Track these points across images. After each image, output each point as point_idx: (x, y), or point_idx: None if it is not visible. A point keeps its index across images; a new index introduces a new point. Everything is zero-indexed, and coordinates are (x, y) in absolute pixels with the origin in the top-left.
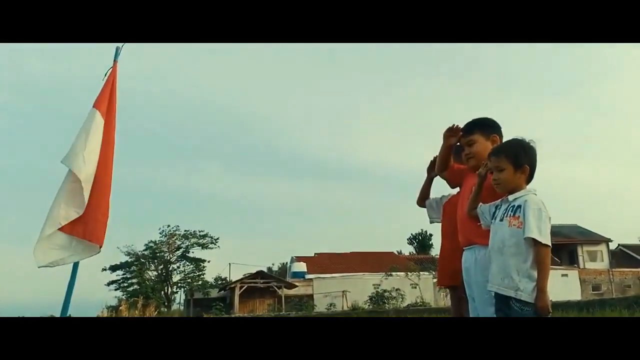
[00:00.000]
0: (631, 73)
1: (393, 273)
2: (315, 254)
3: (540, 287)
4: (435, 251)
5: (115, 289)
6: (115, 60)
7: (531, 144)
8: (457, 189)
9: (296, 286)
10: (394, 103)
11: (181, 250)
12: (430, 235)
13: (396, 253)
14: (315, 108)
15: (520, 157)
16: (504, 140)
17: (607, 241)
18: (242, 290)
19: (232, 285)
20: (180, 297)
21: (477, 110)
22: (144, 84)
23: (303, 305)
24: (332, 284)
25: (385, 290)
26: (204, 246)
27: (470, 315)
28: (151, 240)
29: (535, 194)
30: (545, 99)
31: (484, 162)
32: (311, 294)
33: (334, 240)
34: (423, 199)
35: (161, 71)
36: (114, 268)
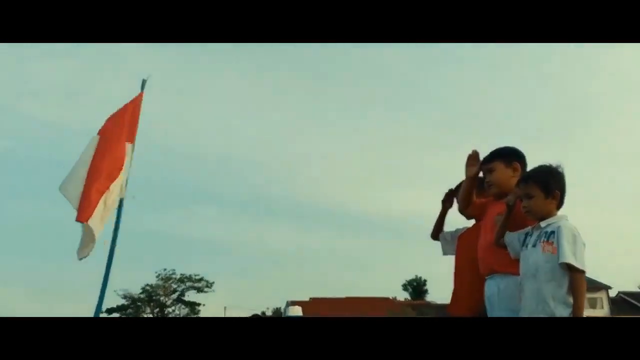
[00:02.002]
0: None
1: None
2: (310, 298)
3: (577, 314)
4: (431, 297)
5: None
6: (141, 92)
7: (559, 170)
8: (472, 221)
9: None
10: (382, 143)
11: (177, 293)
12: (425, 281)
13: (391, 299)
14: (308, 152)
15: (550, 183)
16: (527, 168)
17: (606, 288)
18: None
19: None
20: None
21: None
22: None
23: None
24: None
25: None
26: (199, 290)
27: None
28: (147, 284)
29: (567, 220)
30: (538, 142)
31: (511, 192)
32: None
33: (327, 286)
34: (437, 232)
35: (154, 113)
36: (110, 311)
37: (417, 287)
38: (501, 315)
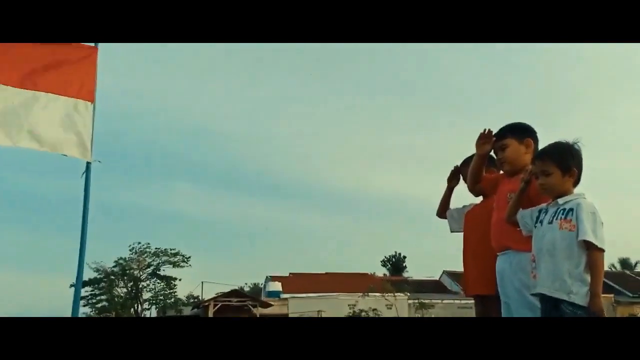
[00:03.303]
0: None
1: (369, 294)
2: (290, 274)
3: (595, 292)
4: (409, 273)
5: (84, 305)
6: (95, 46)
7: (576, 146)
8: (480, 198)
9: (271, 305)
10: (365, 124)
11: (152, 268)
12: (404, 257)
13: (370, 274)
14: (289, 128)
15: (568, 160)
16: (539, 143)
17: None
18: (215, 308)
19: (206, 304)
20: (150, 314)
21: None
22: (114, 98)
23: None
24: (307, 304)
25: (362, 310)
26: (175, 264)
27: None
28: (121, 257)
29: (585, 198)
30: None
31: (526, 168)
32: (286, 313)
33: (306, 262)
34: (444, 210)
35: (131, 89)
36: (82, 284)
37: (395, 264)
38: (512, 290)
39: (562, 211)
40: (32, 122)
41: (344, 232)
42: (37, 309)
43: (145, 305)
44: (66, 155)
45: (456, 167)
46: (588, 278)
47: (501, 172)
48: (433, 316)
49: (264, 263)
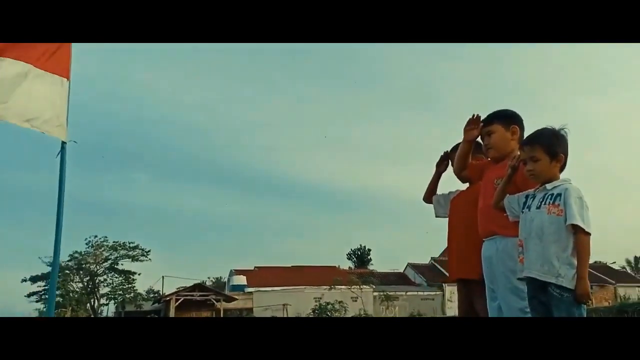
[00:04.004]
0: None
1: (335, 286)
2: (255, 267)
3: (581, 275)
4: (375, 266)
5: (36, 301)
6: None
7: (562, 132)
8: (467, 184)
9: (235, 299)
10: (330, 116)
11: (109, 262)
12: (369, 250)
13: (336, 267)
14: (253, 120)
15: (555, 147)
16: (524, 131)
17: None
18: (177, 303)
19: (167, 298)
20: (108, 310)
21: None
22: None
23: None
24: (272, 298)
25: (328, 303)
26: (134, 258)
27: (490, 306)
28: (76, 251)
29: (571, 183)
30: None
31: (513, 155)
32: (251, 307)
33: (271, 255)
34: (430, 195)
35: (92, 78)
36: (34, 279)
37: (361, 257)
38: (499, 275)
39: (550, 196)
40: (16, 96)
41: (309, 225)
42: None
43: (103, 301)
44: (44, 133)
45: (445, 153)
46: (575, 261)
47: (487, 158)
48: (397, 308)
49: (227, 257)
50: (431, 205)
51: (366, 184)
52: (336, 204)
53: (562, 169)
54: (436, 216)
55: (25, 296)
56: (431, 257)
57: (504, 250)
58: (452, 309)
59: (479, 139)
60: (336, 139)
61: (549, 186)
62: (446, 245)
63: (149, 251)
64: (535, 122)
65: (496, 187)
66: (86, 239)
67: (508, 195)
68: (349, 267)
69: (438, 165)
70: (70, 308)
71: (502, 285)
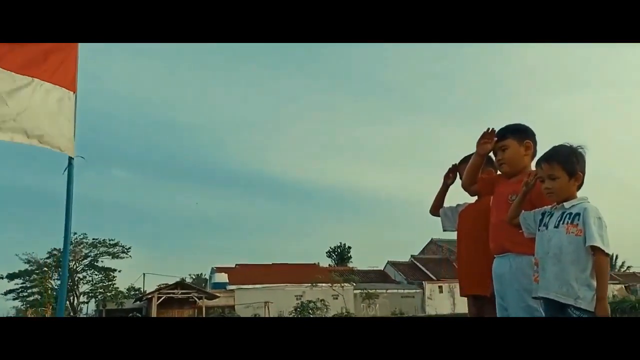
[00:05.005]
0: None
1: (317, 284)
2: (236, 265)
3: (601, 296)
4: (355, 263)
5: (14, 299)
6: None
7: (579, 150)
8: (475, 198)
9: (217, 297)
10: (313, 115)
11: (89, 259)
12: (349, 247)
13: (316, 265)
14: (234, 117)
15: (574, 165)
16: (538, 146)
17: None
18: (160, 301)
19: (149, 296)
20: (88, 307)
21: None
22: None
23: (226, 316)
24: (254, 295)
25: (309, 301)
26: (114, 255)
27: None
28: (55, 248)
29: (589, 202)
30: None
31: (529, 171)
32: (233, 305)
33: (252, 252)
34: (437, 208)
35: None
36: (11, 276)
37: (340, 254)
38: (511, 293)
39: (568, 215)
40: (19, 112)
41: (289, 223)
42: None
43: (83, 299)
44: (54, 150)
45: (454, 165)
46: (594, 282)
47: (498, 172)
48: (378, 306)
49: (207, 254)
50: (417, 205)
51: (347, 182)
52: (316, 201)
53: (579, 187)
54: (444, 230)
55: (1, 294)
56: (411, 255)
57: (518, 267)
58: (432, 307)
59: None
60: (318, 137)
61: (567, 205)
62: (425, 244)
63: (129, 248)
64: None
65: (510, 202)
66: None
67: (523, 211)
68: (329, 265)
69: (446, 177)
70: (50, 307)
71: (514, 304)
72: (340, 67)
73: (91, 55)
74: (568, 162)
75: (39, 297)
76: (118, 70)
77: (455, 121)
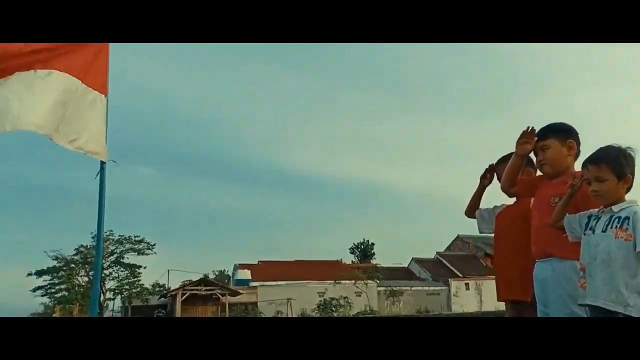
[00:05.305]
0: None
1: (340, 281)
2: (258, 261)
3: None
4: (378, 260)
5: (42, 295)
6: None
7: (629, 152)
8: (513, 199)
9: (240, 293)
10: (335, 111)
11: (115, 255)
12: (372, 244)
13: (339, 261)
14: (257, 114)
15: (623, 167)
16: (581, 146)
17: None
18: (184, 297)
19: (174, 292)
20: (114, 304)
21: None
22: None
23: (249, 313)
24: (276, 292)
25: (332, 298)
26: (139, 252)
27: None
28: (82, 245)
29: (638, 205)
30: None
31: (574, 173)
32: (255, 301)
33: (274, 249)
34: (473, 209)
35: None
36: (40, 273)
37: (364, 251)
38: (555, 299)
39: (617, 219)
40: (60, 114)
41: (311, 219)
42: None
43: (109, 295)
44: (86, 154)
45: (491, 166)
46: None
47: (538, 173)
48: (402, 303)
49: (230, 250)
50: (439, 201)
51: (370, 178)
52: (339, 197)
53: (628, 190)
54: (480, 232)
55: (30, 291)
56: (436, 252)
57: (562, 272)
58: (458, 305)
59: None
60: (342, 134)
61: (615, 208)
62: (451, 241)
63: (154, 245)
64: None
65: (553, 205)
66: (91, 232)
67: (568, 214)
68: (352, 261)
69: (482, 178)
70: (77, 303)
71: (557, 310)
72: (363, 65)
73: (113, 53)
74: (617, 164)
75: (67, 293)
76: (142, 68)
77: (482, 118)
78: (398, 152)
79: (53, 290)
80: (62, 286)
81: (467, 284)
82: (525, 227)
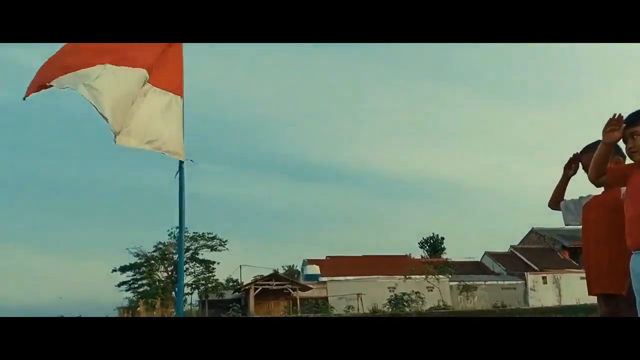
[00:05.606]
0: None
1: (410, 276)
2: (327, 256)
3: None
4: (449, 255)
5: (126, 290)
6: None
7: None
8: (601, 189)
9: (310, 288)
10: (401, 105)
11: (190, 252)
12: (442, 238)
13: (408, 256)
14: (324, 110)
15: None
16: None
17: None
18: (256, 292)
19: (247, 287)
20: (192, 298)
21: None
22: None
23: (320, 308)
24: (346, 287)
25: (404, 293)
26: (212, 248)
27: None
28: (160, 242)
29: None
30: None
31: None
32: (325, 296)
33: (342, 244)
34: (557, 201)
35: None
36: (123, 269)
37: (434, 245)
38: None
39: None
40: (136, 118)
41: (377, 213)
42: (79, 292)
43: (187, 290)
44: (166, 154)
45: (575, 155)
46: None
47: (627, 161)
48: (477, 298)
49: (297, 246)
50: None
51: (438, 171)
52: (405, 191)
53: None
54: (566, 224)
55: (115, 286)
56: (510, 245)
57: None
58: (535, 299)
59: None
60: (408, 127)
61: None
62: (525, 234)
63: (225, 241)
64: None
65: None
66: (168, 230)
67: None
68: (422, 256)
69: (566, 168)
70: (159, 297)
71: None
72: (434, 58)
73: (186, 52)
74: None
75: (148, 288)
76: (209, 68)
77: (553, 106)
78: (468, 143)
79: (136, 285)
80: (144, 281)
81: (544, 278)
82: (615, 218)
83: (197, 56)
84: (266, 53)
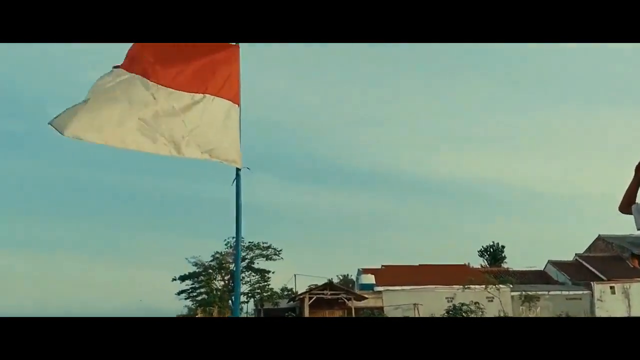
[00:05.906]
0: None
1: (469, 286)
2: (382, 265)
3: None
4: (510, 264)
5: (185, 298)
6: (236, 44)
7: None
8: None
9: (365, 298)
10: (458, 112)
11: (246, 261)
12: (503, 247)
13: (466, 265)
14: (381, 119)
15: None
16: None
17: None
18: (311, 301)
19: (301, 296)
20: (248, 307)
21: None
22: None
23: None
24: (402, 297)
25: (462, 304)
26: (267, 257)
27: None
28: (217, 251)
29: None
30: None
31: None
32: (381, 306)
33: (397, 253)
34: (629, 204)
35: None
36: (182, 278)
37: (494, 254)
38: None
39: None
40: (193, 128)
41: (435, 222)
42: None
43: (243, 299)
44: (224, 163)
45: None
46: None
47: None
48: (540, 309)
49: (352, 255)
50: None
51: (498, 177)
52: (464, 199)
53: None
54: (638, 228)
55: (175, 294)
56: (575, 253)
57: None
58: (603, 309)
59: None
60: (469, 129)
61: None
62: (592, 241)
63: (280, 250)
64: None
65: None
66: (225, 239)
67: None
68: (481, 265)
69: (638, 169)
70: (216, 306)
71: None
72: (494, 60)
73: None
74: None
75: (206, 296)
76: (263, 81)
77: (620, 106)
78: (530, 148)
79: (194, 294)
80: (202, 290)
81: (612, 288)
82: None
83: (252, 58)
84: (320, 54)
